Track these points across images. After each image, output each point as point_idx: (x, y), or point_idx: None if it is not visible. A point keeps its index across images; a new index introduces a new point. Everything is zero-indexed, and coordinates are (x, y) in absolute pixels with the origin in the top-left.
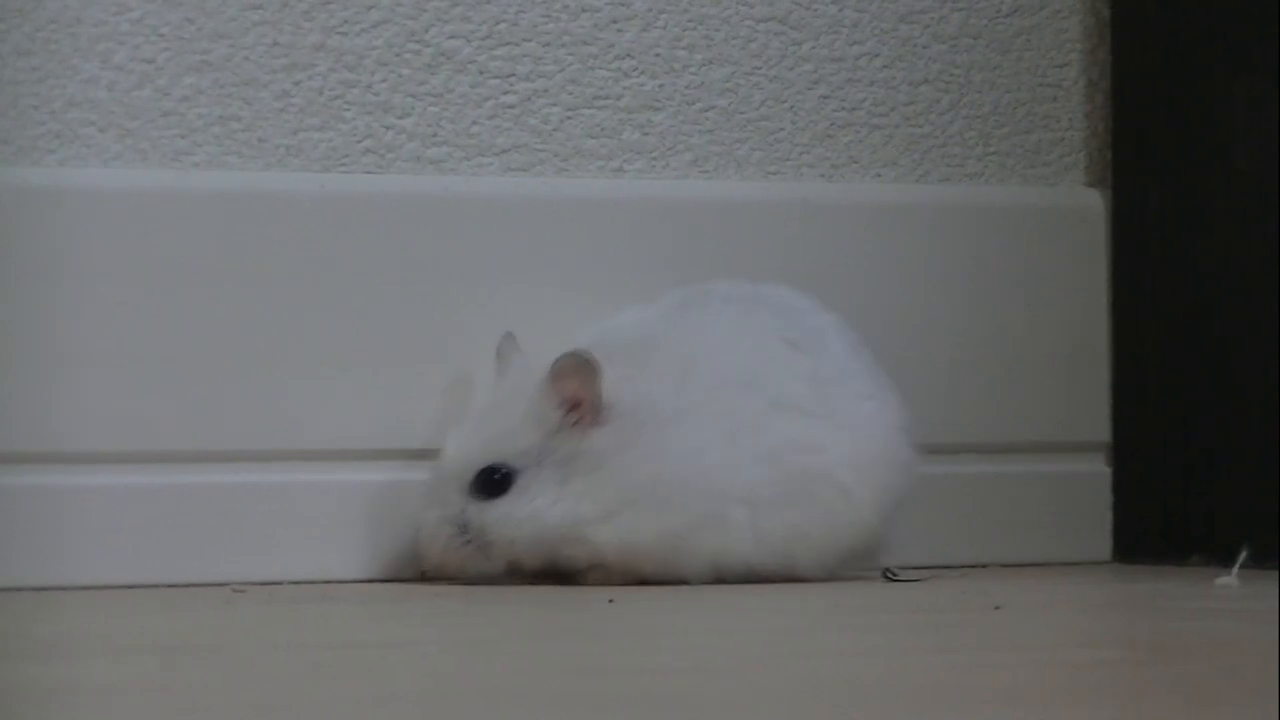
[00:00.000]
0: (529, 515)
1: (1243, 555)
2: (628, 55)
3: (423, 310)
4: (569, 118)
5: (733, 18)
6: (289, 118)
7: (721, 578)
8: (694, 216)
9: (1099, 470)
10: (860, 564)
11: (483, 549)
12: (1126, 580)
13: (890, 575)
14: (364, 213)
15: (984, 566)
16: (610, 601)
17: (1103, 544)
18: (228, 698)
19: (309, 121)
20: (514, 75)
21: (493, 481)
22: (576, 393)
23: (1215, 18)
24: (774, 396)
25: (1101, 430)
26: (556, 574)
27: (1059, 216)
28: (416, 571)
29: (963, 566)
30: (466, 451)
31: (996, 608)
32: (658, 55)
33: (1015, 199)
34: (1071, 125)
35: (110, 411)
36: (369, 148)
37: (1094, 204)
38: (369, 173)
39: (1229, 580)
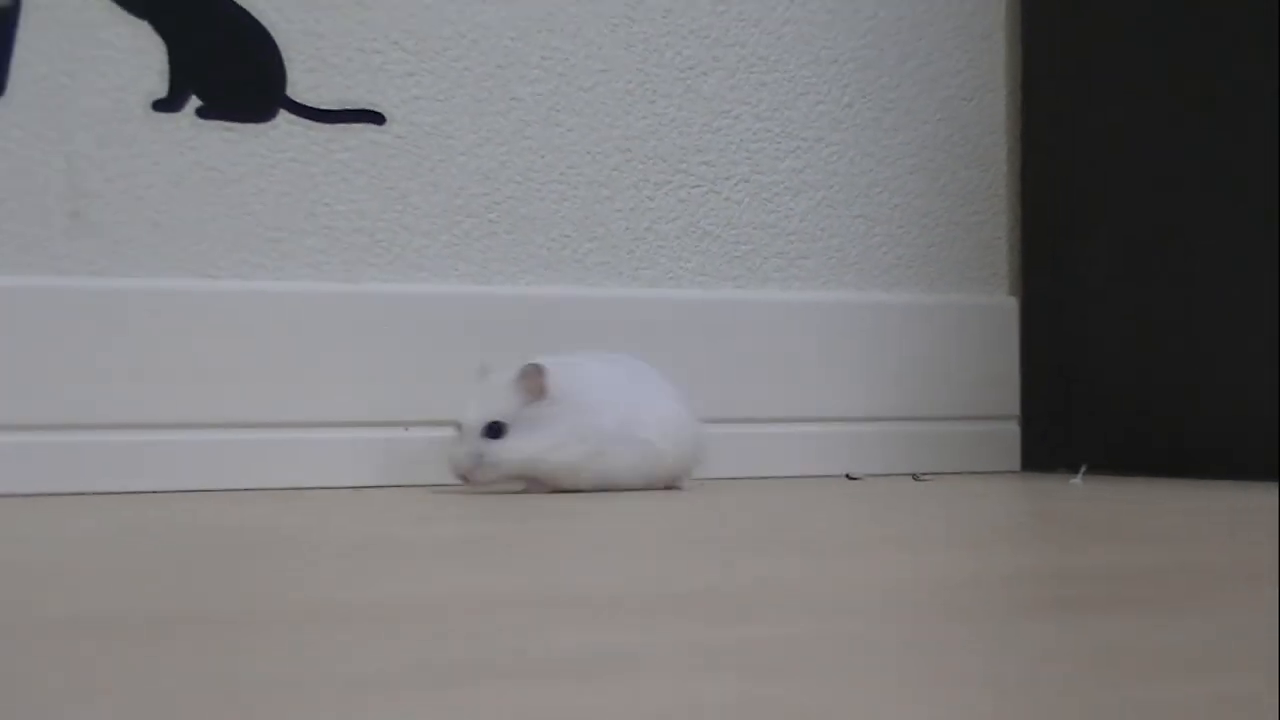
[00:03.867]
0: (515, 449)
1: (1083, 468)
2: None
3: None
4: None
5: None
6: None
7: (609, 488)
8: (827, 315)
9: (1014, 429)
10: (673, 483)
11: (492, 468)
12: (1027, 480)
13: (916, 478)
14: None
15: (959, 474)
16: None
17: (1015, 462)
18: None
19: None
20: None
21: (495, 429)
22: (534, 384)
23: (1082, 204)
24: (622, 397)
25: (1015, 409)
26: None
27: (989, 313)
28: (452, 479)
29: (949, 473)
30: (480, 414)
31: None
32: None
33: (965, 301)
34: (999, 267)
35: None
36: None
37: (1011, 306)
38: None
39: (1076, 481)
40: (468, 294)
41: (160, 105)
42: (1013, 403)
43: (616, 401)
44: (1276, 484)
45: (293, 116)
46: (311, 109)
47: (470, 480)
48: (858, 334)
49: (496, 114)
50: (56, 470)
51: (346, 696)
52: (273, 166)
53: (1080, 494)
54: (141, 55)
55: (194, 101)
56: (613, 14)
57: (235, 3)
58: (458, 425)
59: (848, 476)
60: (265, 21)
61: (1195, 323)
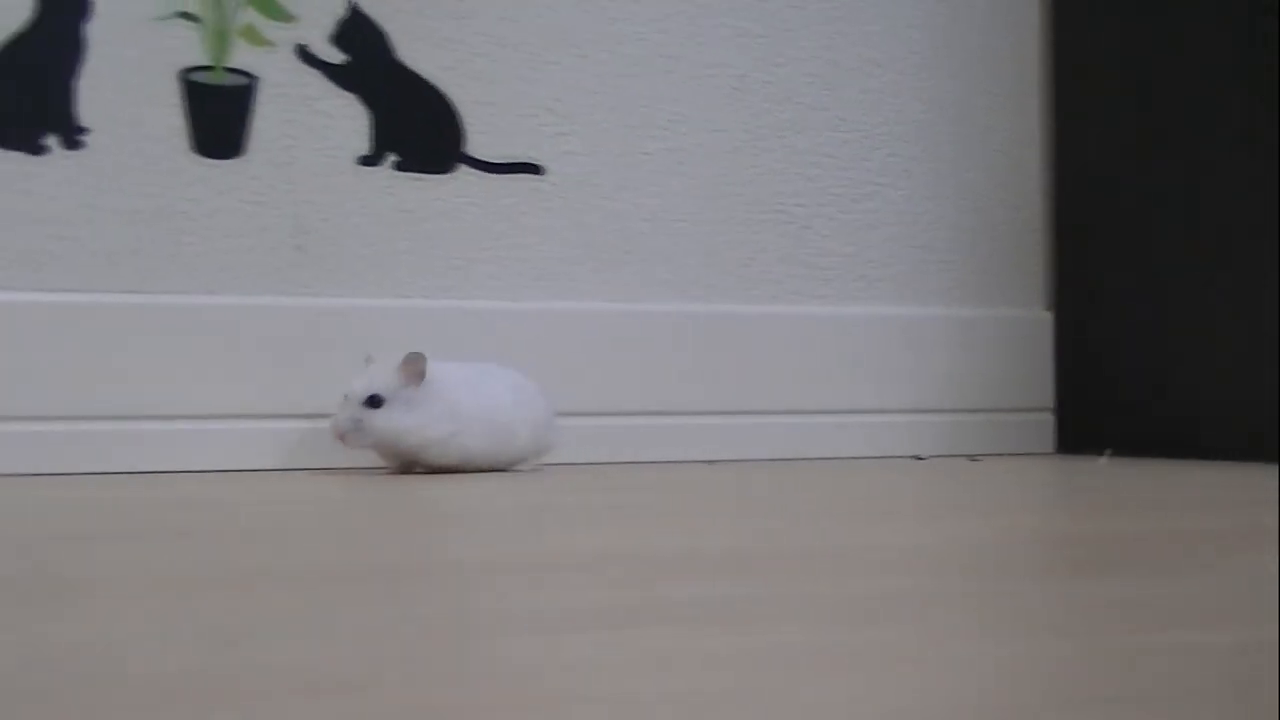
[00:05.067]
0: (389, 420)
1: (1108, 451)
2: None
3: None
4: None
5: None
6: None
7: (466, 468)
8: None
9: (1049, 419)
10: (529, 464)
11: (366, 434)
12: (1061, 461)
13: (971, 458)
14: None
15: (1004, 455)
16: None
17: (1049, 446)
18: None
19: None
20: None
21: (375, 400)
22: (414, 368)
23: (1104, 236)
24: (483, 390)
25: (1049, 402)
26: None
27: (1028, 324)
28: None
29: (996, 454)
30: (364, 387)
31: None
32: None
33: (1009, 315)
34: (1036, 288)
35: None
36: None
37: (1046, 319)
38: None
39: (1103, 461)
40: (607, 310)
41: (365, 161)
42: (1048, 397)
43: (476, 393)
44: (1278, 465)
45: (469, 169)
46: (484, 162)
47: (345, 443)
48: (923, 341)
49: (630, 166)
50: (279, 449)
51: (513, 637)
52: (454, 209)
53: (1107, 472)
54: (351, 121)
55: (392, 158)
56: (724, 86)
57: (424, 79)
58: (345, 395)
59: (915, 457)
60: (448, 93)
61: (1199, 329)
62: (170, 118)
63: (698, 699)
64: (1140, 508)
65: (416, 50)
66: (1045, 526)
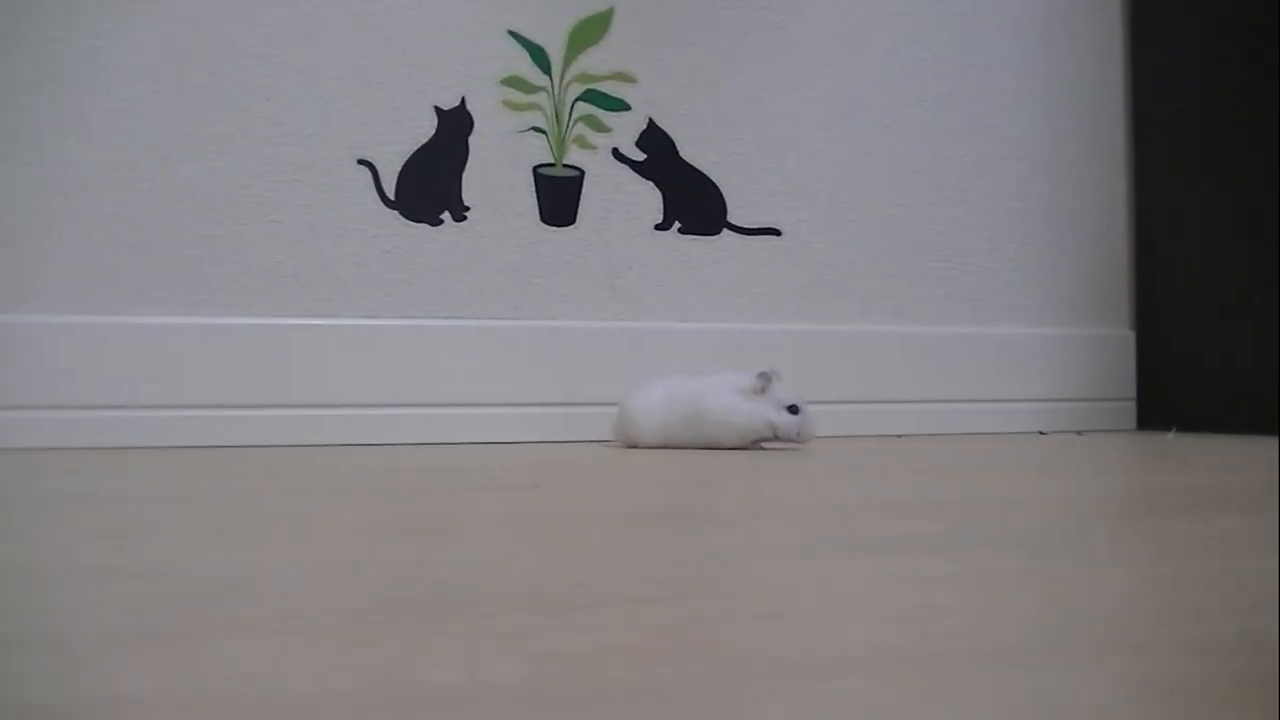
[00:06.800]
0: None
1: (1174, 429)
2: None
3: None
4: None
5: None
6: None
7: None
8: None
9: (1132, 405)
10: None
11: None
12: (1140, 435)
13: (1079, 433)
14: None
15: (1099, 431)
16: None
17: (1132, 425)
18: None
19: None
20: None
21: (791, 409)
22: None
23: (1173, 280)
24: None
25: (1132, 393)
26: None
27: (1112, 343)
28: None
29: (1094, 430)
30: (788, 400)
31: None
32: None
33: (1103, 333)
34: (1120, 307)
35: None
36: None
37: (1129, 337)
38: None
39: (1172, 436)
40: (806, 331)
41: (659, 227)
42: (1131, 389)
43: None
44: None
45: (730, 233)
46: (740, 227)
47: (791, 440)
48: (1044, 350)
49: (841, 229)
50: (590, 427)
51: (780, 561)
52: (720, 259)
53: (1175, 444)
54: (649, 200)
55: (677, 224)
56: (907, 174)
57: (699, 170)
58: (792, 408)
59: (1040, 433)
60: (715, 179)
61: (1243, 339)
62: (525, 199)
63: (916, 608)
64: (1205, 468)
65: (694, 150)
66: (1137, 479)
